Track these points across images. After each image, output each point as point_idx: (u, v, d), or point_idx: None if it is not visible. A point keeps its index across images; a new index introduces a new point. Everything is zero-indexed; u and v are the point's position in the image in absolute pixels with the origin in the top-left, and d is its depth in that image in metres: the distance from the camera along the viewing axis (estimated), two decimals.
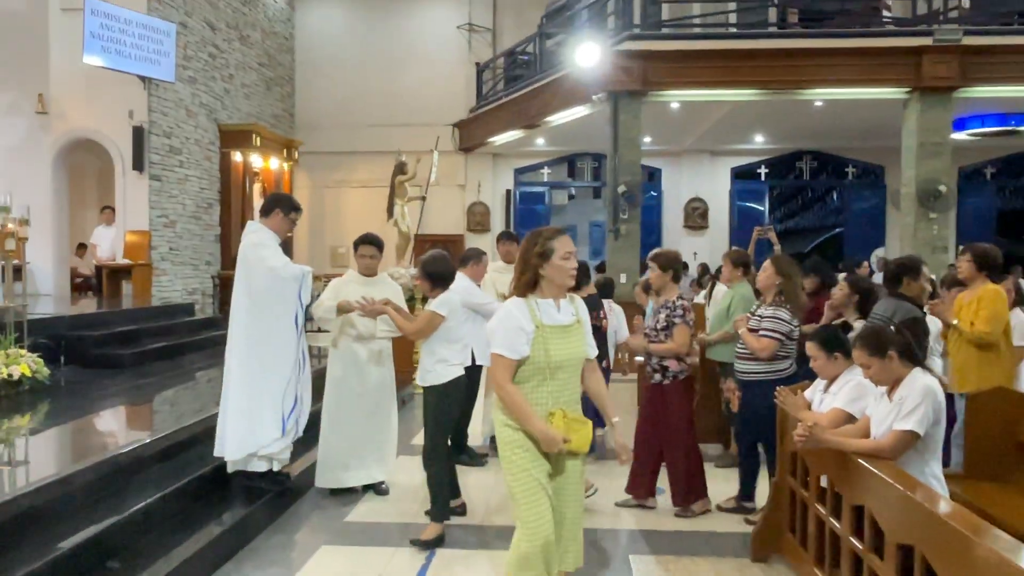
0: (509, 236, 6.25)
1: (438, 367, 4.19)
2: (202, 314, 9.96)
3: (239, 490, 4.32)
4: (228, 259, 11.29)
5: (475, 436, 5.95)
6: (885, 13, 11.17)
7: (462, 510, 4.52)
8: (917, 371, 3.14)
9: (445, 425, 4.28)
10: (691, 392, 4.76)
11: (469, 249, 5.92)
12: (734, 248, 6.42)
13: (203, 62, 11.23)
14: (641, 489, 4.71)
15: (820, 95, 10.03)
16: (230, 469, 4.27)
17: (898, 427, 3.03)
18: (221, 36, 11.81)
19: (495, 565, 3.83)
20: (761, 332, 4.29)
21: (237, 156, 11.74)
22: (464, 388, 4.39)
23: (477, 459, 5.72)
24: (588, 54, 9.58)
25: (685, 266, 6.94)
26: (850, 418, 3.47)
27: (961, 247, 5.11)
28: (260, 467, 4.30)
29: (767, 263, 4.43)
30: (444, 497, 4.23)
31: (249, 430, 4.12)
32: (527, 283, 2.82)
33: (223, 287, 10.98)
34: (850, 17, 10.82)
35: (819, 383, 3.81)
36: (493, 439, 6.22)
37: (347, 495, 4.86)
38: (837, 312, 4.92)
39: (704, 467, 4.66)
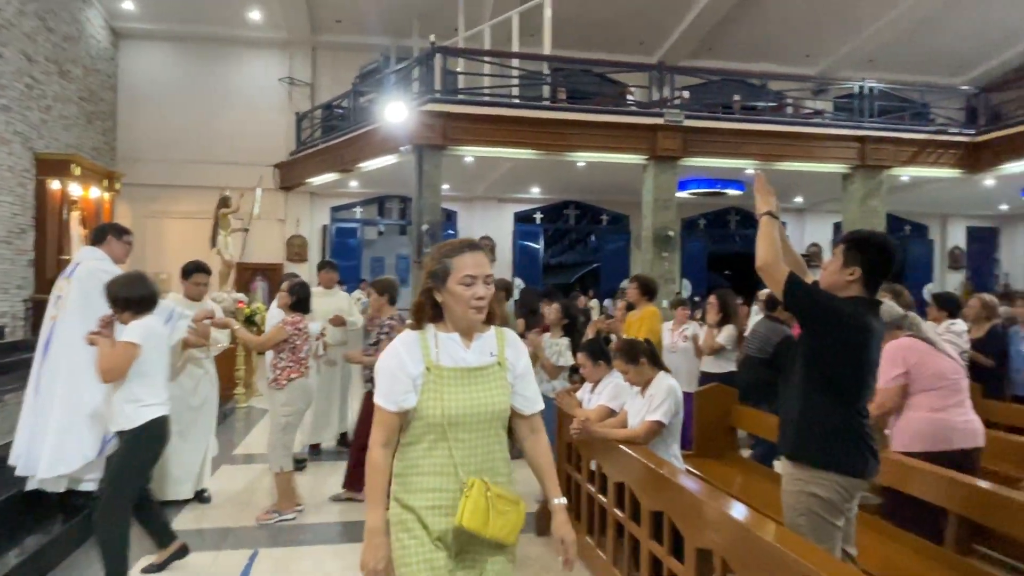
0: (329, 265, 6.06)
1: (127, 408, 3.13)
2: (12, 337, 8.65)
3: (56, 507, 3.78)
4: (43, 283, 9.90)
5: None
6: (629, 97, 12.19)
7: (182, 553, 3.52)
8: (662, 374, 3.42)
9: (130, 478, 3.17)
10: None
11: (287, 274, 5.71)
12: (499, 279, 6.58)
13: (19, 91, 9.85)
14: (360, 483, 4.52)
15: (582, 157, 10.64)
16: (45, 488, 3.71)
17: (649, 418, 3.28)
18: (39, 68, 10.42)
19: (317, 561, 3.64)
20: None
21: (55, 184, 10.37)
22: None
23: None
24: (396, 111, 9.57)
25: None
26: (612, 413, 3.71)
27: (630, 276, 5.84)
28: (82, 486, 3.79)
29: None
30: (120, 565, 3.12)
31: (69, 449, 3.61)
32: (423, 311, 1.81)
33: (36, 311, 9.60)
34: (605, 98, 11.70)
35: (587, 385, 4.04)
36: (343, 436, 5.99)
37: (172, 505, 4.42)
38: (607, 327, 5.48)
39: None
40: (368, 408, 4.45)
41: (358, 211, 14.80)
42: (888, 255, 2.37)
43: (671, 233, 10.73)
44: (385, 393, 1.77)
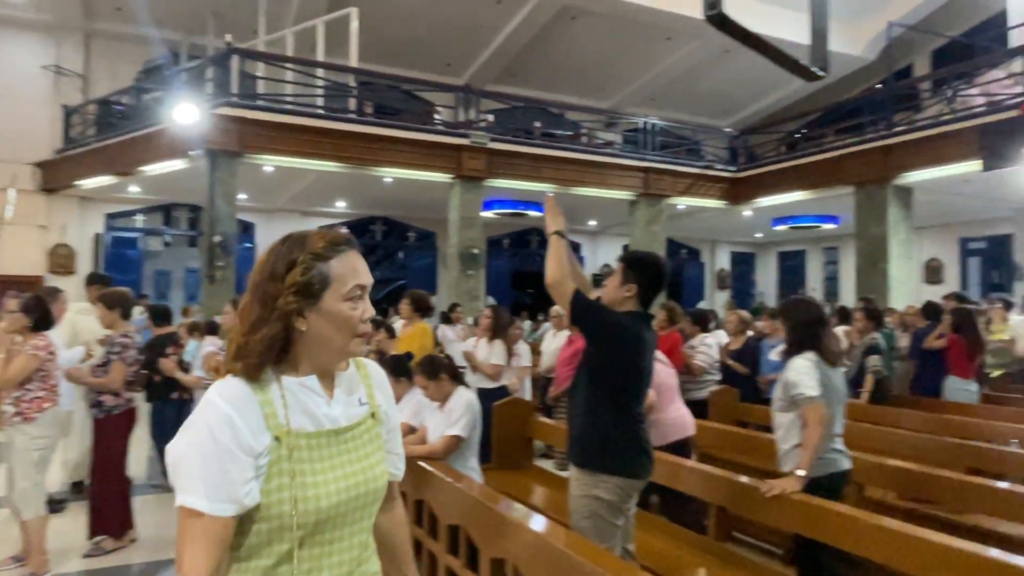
0: (100, 278, 5.39)
1: None
2: None
3: None
4: None
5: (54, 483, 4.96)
6: (436, 116, 12.38)
7: None
8: (461, 389, 3.48)
9: None
10: (129, 426, 4.17)
11: (45, 288, 4.96)
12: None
13: None
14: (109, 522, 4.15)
15: (389, 173, 10.59)
16: None
17: (448, 433, 3.31)
18: None
19: None
20: None
21: None
22: None
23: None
24: (186, 113, 8.85)
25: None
26: (413, 429, 3.70)
27: (406, 292, 5.88)
28: None
29: (228, 306, 4.51)
30: None
31: None
32: (263, 349, 1.13)
33: None
34: (413, 115, 11.76)
35: None
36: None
37: None
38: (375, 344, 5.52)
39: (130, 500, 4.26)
40: (103, 443, 4.02)
41: (139, 219, 13.43)
42: (660, 273, 2.62)
43: (476, 251, 11.01)
44: (210, 487, 1.05)
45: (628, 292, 2.61)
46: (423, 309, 5.55)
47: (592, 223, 16.26)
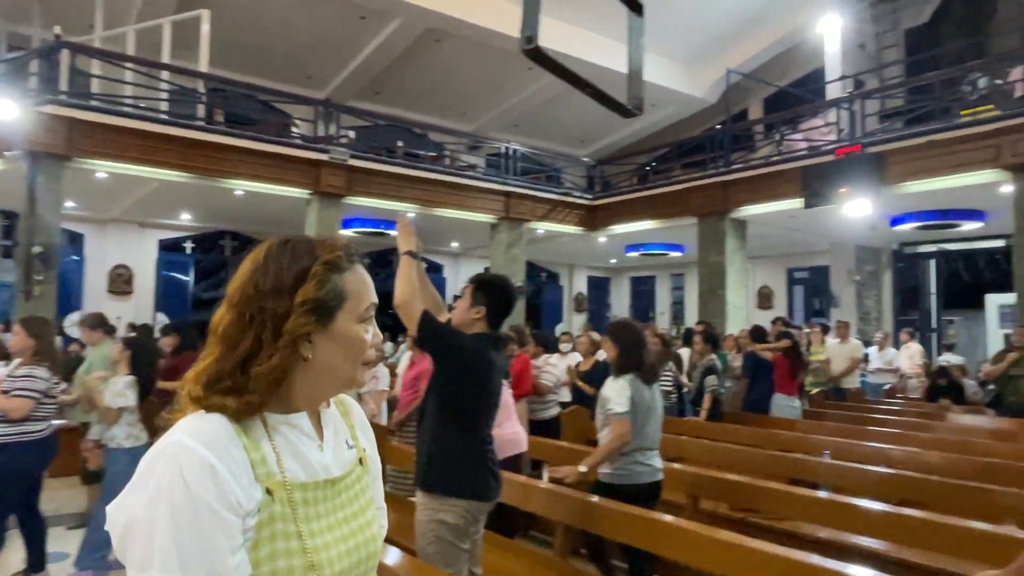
0: None
1: None
2: None
3: None
4: None
5: None
6: (294, 130, 11.97)
7: None
8: None
9: None
10: None
11: None
12: (90, 313, 5.42)
13: None
14: None
15: (240, 185, 10.08)
16: None
17: None
18: None
19: None
20: (14, 392, 3.61)
21: None
22: None
23: None
24: (3, 109, 7.96)
25: (112, 329, 5.97)
26: None
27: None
28: None
29: (17, 327, 3.92)
30: None
31: None
32: (271, 382, 0.93)
33: None
34: (268, 126, 11.29)
35: None
36: None
37: None
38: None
39: None
40: None
41: None
42: (508, 296, 2.67)
43: None
44: (188, 561, 0.81)
45: (477, 314, 2.63)
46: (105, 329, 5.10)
47: (454, 245, 16.35)
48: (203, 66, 10.26)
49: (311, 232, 10.61)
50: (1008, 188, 8.38)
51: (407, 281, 2.56)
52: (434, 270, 16.95)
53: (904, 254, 13.74)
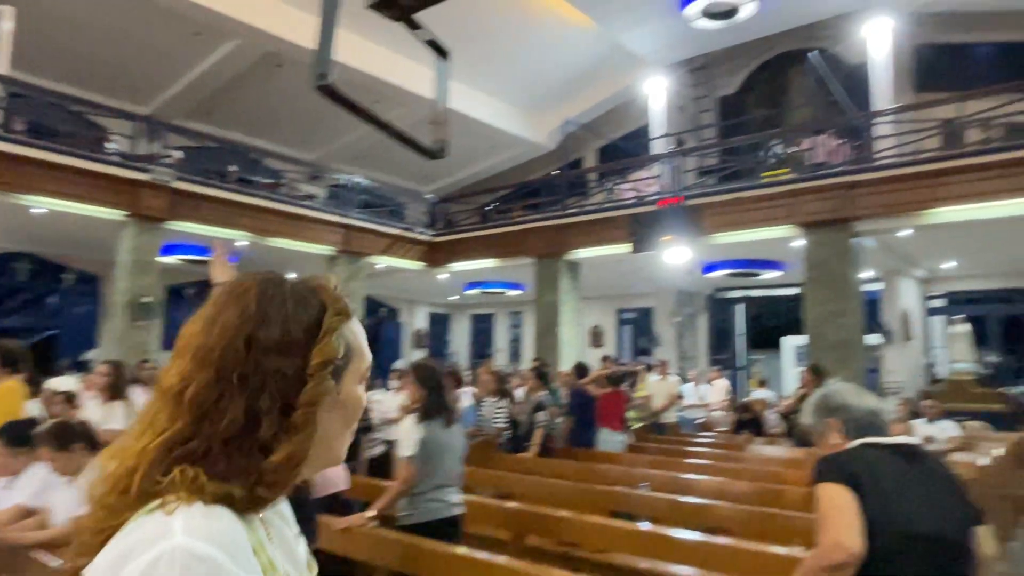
0: None
1: None
2: None
3: None
4: None
5: None
6: (112, 145, 10.99)
7: None
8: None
9: None
10: None
11: None
12: None
13: None
14: None
15: (41, 203, 9.06)
16: None
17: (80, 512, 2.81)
18: None
19: None
20: None
21: None
22: None
23: None
24: None
25: None
26: (32, 511, 3.08)
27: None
28: None
29: None
30: None
31: None
32: (297, 465, 0.76)
33: None
34: (78, 140, 10.28)
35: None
36: None
37: None
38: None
39: None
40: None
41: None
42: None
43: (150, 300, 9.85)
44: None
45: None
46: (12, 363, 4.42)
47: (289, 277, 15.67)
48: (3, 67, 9.18)
49: (126, 258, 9.74)
50: (800, 242, 9.49)
51: None
52: None
53: (717, 299, 15.08)
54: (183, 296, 14.97)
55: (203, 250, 12.01)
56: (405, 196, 14.84)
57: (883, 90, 12.00)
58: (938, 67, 12.62)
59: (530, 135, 16.35)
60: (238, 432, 0.72)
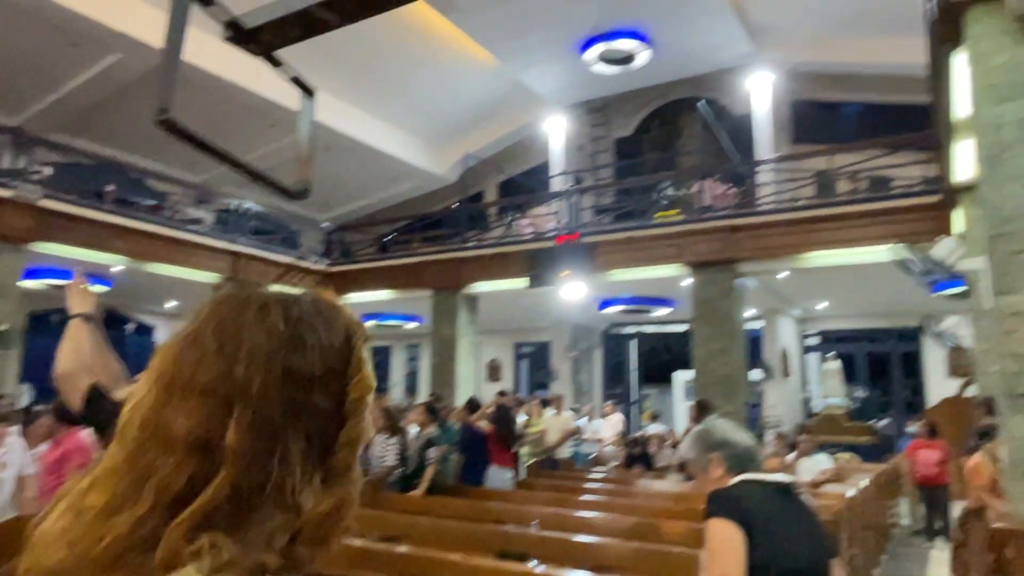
0: None
1: None
2: None
3: None
4: None
5: None
6: None
7: None
8: None
9: None
10: None
11: None
12: None
13: None
14: None
15: None
16: None
17: None
18: None
19: None
20: None
21: None
22: None
23: None
24: None
25: None
26: None
27: None
28: None
29: None
30: None
31: None
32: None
33: None
34: None
35: None
36: None
37: None
38: None
39: None
40: None
41: None
42: None
43: (6, 327, 9.04)
44: None
45: None
46: None
47: (171, 305, 14.83)
48: None
49: None
50: (688, 281, 9.93)
51: (72, 350, 2.20)
52: (144, 332, 15.17)
53: (611, 334, 15.48)
54: (48, 324, 13.82)
55: (69, 274, 11.16)
56: (300, 223, 14.44)
57: (764, 140, 12.88)
58: (813, 122, 13.71)
59: (431, 166, 16.38)
60: (274, 483, 0.61)
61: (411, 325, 15.52)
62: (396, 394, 17.78)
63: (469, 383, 11.81)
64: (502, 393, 9.81)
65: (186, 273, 11.30)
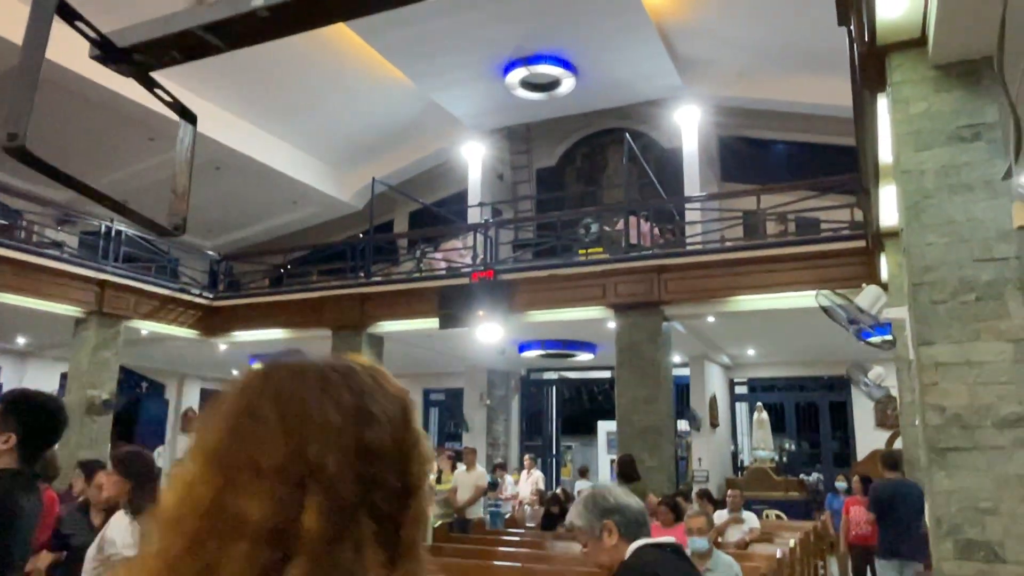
0: None
1: None
2: None
3: None
4: None
5: None
6: None
7: None
8: None
9: None
10: None
11: None
12: None
13: None
14: None
15: None
16: None
17: None
18: None
19: None
20: None
21: None
22: None
23: None
24: None
25: None
26: None
27: None
28: None
29: None
30: None
31: None
32: None
33: None
34: None
35: None
36: None
37: None
38: None
39: None
40: None
41: None
42: (51, 421, 2.31)
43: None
44: None
45: (4, 443, 2.21)
46: None
47: (21, 340, 13.93)
48: None
49: None
50: (612, 324, 10.15)
51: None
52: None
53: (531, 380, 15.58)
54: None
55: None
56: (181, 251, 13.92)
57: (693, 176, 13.44)
58: (742, 159, 14.47)
59: (335, 191, 16.21)
60: (347, 569, 0.61)
61: None
62: None
63: None
64: None
65: (40, 304, 10.65)
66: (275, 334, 12.52)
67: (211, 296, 12.99)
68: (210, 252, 14.39)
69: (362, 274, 12.09)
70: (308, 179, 15.28)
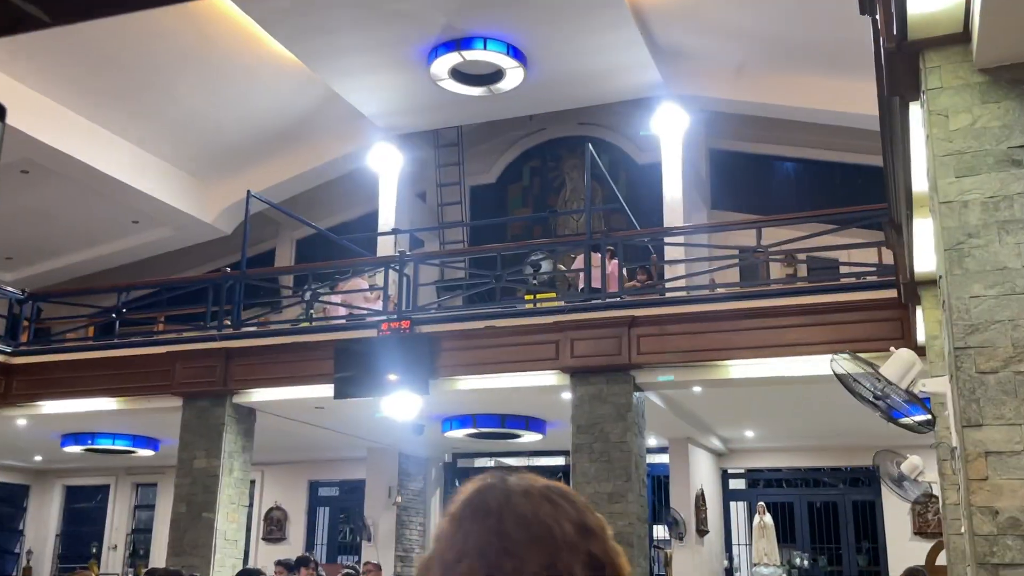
0: None
1: None
2: None
3: None
4: None
5: None
6: None
7: None
8: None
9: None
10: None
11: None
12: None
13: None
14: None
15: None
16: None
17: None
18: None
19: None
20: None
21: None
22: None
23: None
24: None
25: None
26: None
27: None
28: None
29: None
30: None
31: None
32: None
33: None
34: None
35: None
36: None
37: None
38: None
39: None
40: None
41: None
42: None
43: None
44: None
45: None
46: None
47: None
48: None
49: None
50: (567, 395, 10.20)
51: None
52: None
53: (457, 468, 15.48)
54: None
55: None
56: None
57: (675, 202, 13.65)
58: (738, 181, 14.84)
59: (194, 209, 15.95)
60: None
61: (144, 453, 14.74)
62: (113, 562, 16.67)
63: (236, 544, 11.29)
64: (285, 562, 9.47)
65: None
66: (100, 403, 12.16)
67: (8, 350, 12.58)
68: (9, 289, 13.98)
69: (228, 322, 11.88)
70: (155, 191, 15.03)
